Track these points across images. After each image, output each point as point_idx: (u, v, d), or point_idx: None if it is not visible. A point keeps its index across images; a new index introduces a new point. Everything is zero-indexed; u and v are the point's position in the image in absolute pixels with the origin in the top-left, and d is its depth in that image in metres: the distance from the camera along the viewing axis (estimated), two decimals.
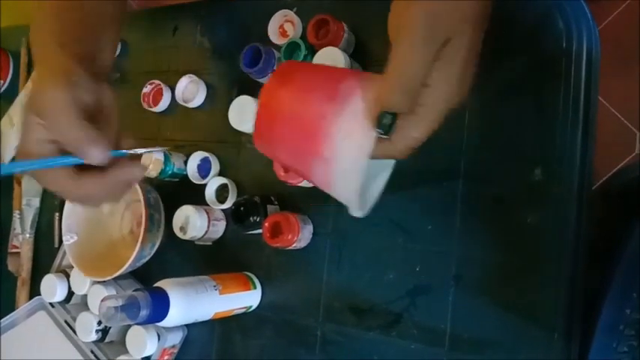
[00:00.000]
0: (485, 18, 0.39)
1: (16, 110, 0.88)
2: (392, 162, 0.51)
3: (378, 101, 0.37)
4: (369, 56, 0.62)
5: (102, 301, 0.50)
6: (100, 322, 0.70)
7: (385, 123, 0.37)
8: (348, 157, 0.39)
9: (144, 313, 0.51)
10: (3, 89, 0.93)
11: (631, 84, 1.09)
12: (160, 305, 0.53)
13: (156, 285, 0.55)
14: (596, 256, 0.62)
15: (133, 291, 0.52)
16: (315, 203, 0.63)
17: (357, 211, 0.43)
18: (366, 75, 0.42)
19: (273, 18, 0.66)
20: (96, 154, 0.41)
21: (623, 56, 1.10)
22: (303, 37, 0.64)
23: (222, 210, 0.69)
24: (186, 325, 0.67)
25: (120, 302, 0.50)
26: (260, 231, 0.61)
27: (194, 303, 0.55)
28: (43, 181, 0.42)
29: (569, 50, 0.52)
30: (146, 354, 0.63)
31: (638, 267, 0.57)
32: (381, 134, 0.38)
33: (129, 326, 0.65)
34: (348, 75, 0.43)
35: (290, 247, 0.60)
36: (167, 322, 0.54)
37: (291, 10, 0.66)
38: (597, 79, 0.53)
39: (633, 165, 1.09)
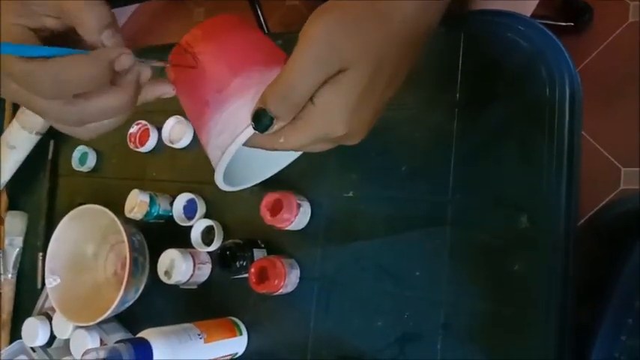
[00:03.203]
0: (405, 67, 0.38)
1: (11, 135, 0.84)
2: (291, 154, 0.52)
3: (261, 99, 0.37)
4: None
5: (83, 354, 0.48)
6: None
7: (263, 123, 0.37)
8: (219, 143, 0.40)
9: None
10: None
11: (614, 119, 1.11)
12: (143, 357, 0.51)
13: (138, 335, 0.54)
14: (583, 290, 0.63)
15: (116, 342, 0.51)
16: (303, 247, 0.62)
17: (219, 183, 0.44)
18: (276, 70, 0.39)
19: None
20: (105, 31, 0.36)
21: (607, 92, 1.12)
22: None
23: (208, 253, 0.68)
24: None
25: (102, 355, 0.49)
26: (246, 275, 0.61)
27: (178, 353, 0.54)
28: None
29: (552, 98, 0.53)
30: None
31: (632, 293, 0.57)
32: (256, 130, 0.37)
33: None
34: (260, 63, 0.40)
35: (277, 293, 0.59)
36: None
37: None
38: (580, 126, 0.54)
39: (620, 200, 1.10)
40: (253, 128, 0.37)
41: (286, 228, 0.60)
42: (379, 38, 0.35)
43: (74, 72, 0.35)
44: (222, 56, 0.41)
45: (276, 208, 0.59)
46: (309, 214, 0.62)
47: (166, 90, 0.43)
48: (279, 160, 0.53)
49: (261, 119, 0.36)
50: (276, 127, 0.37)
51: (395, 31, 0.36)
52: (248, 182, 0.49)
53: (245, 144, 0.39)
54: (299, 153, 0.51)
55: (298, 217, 0.60)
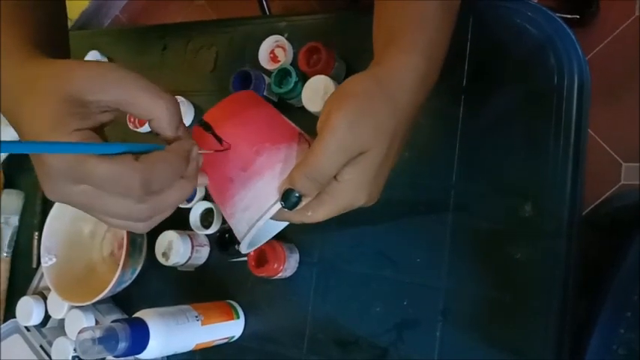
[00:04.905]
0: (407, 133, 0.43)
1: None
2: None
3: (289, 180, 0.41)
4: None
5: (79, 332, 0.48)
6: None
7: (291, 201, 0.40)
8: (245, 218, 0.42)
9: (122, 345, 0.49)
10: None
11: (617, 114, 1.11)
12: (139, 337, 0.51)
13: (135, 315, 0.53)
14: (582, 283, 0.62)
15: (112, 322, 0.50)
16: (303, 231, 0.62)
17: (243, 251, 0.46)
18: (293, 146, 0.43)
19: (264, 43, 0.66)
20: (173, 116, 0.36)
21: (609, 86, 1.11)
22: (294, 63, 0.63)
23: (207, 235, 0.67)
24: (166, 357, 0.65)
25: (97, 334, 0.48)
26: (245, 259, 0.60)
27: (174, 334, 0.53)
28: (83, 170, 0.33)
29: (560, 86, 0.52)
30: None
31: (631, 286, 0.57)
32: (284, 207, 0.41)
33: None
34: (278, 140, 0.43)
35: (275, 277, 0.59)
36: (146, 354, 0.52)
37: (282, 35, 0.66)
38: (587, 116, 0.53)
39: (619, 194, 1.10)
40: (282, 206, 0.41)
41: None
42: (391, 120, 0.40)
43: (161, 171, 0.35)
44: (243, 135, 0.43)
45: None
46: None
47: (203, 181, 0.43)
48: (279, 224, 0.56)
49: (289, 198, 0.40)
50: (302, 203, 0.41)
51: (401, 109, 0.41)
52: (257, 243, 0.51)
53: (273, 217, 0.42)
54: None
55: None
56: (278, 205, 0.41)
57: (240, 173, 0.42)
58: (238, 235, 0.44)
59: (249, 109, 0.45)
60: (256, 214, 0.42)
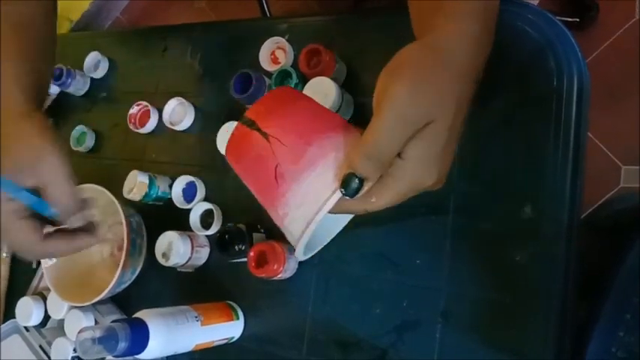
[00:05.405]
0: (471, 100, 0.39)
1: None
2: (349, 216, 0.50)
3: (347, 164, 0.37)
4: (360, 86, 0.62)
5: (79, 332, 0.48)
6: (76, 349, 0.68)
7: (352, 187, 0.37)
8: (300, 215, 0.39)
9: (122, 345, 0.49)
10: None
11: (617, 117, 1.11)
12: (139, 337, 0.51)
13: (135, 315, 0.53)
14: (581, 285, 0.62)
15: (112, 322, 0.50)
16: None
17: (299, 255, 0.43)
18: (343, 134, 0.41)
19: (264, 45, 0.66)
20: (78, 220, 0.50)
21: (609, 90, 1.12)
22: (295, 65, 0.63)
23: (207, 236, 0.67)
24: (166, 357, 0.65)
25: (97, 334, 0.48)
26: (245, 259, 0.60)
27: (174, 334, 0.53)
28: (8, 232, 0.47)
29: (559, 89, 0.52)
30: None
31: (631, 288, 0.57)
32: (345, 195, 0.37)
33: None
34: (326, 129, 0.40)
35: (275, 278, 0.59)
36: (146, 354, 0.52)
37: (283, 37, 0.66)
38: (587, 118, 0.53)
39: (618, 197, 1.10)
40: (343, 194, 0.37)
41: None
42: (454, 85, 0.37)
43: (58, 251, 0.51)
44: (290, 127, 0.40)
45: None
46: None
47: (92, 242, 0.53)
48: (338, 222, 0.52)
49: (350, 184, 0.36)
50: (365, 189, 0.37)
51: (463, 74, 0.37)
52: (316, 247, 0.48)
53: (332, 211, 0.38)
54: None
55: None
56: (338, 194, 0.37)
57: (289, 167, 0.39)
58: (292, 239, 0.40)
59: (290, 103, 0.42)
60: (313, 207, 0.38)
